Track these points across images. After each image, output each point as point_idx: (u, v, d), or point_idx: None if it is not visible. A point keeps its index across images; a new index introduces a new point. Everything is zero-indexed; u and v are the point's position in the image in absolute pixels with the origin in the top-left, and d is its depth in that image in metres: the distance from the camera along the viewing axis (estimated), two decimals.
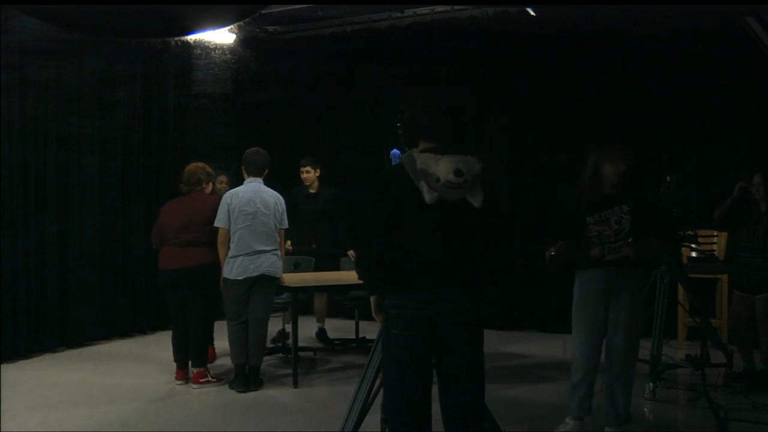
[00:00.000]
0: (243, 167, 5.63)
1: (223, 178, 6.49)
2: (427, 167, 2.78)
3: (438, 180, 2.76)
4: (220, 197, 5.57)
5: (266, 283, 5.45)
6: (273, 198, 5.55)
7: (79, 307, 6.91)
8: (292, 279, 5.87)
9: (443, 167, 2.77)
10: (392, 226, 2.84)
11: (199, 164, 5.76)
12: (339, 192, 6.96)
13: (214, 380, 5.55)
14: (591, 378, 4.27)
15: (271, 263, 5.45)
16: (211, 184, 5.81)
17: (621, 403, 4.23)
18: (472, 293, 2.89)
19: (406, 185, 2.81)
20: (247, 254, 5.38)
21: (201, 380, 5.51)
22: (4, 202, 6.24)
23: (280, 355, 6.43)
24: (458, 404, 2.90)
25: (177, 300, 5.59)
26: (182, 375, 5.63)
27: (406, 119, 3.04)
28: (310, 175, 6.77)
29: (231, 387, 5.44)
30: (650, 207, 4.35)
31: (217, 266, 5.55)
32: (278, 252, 5.55)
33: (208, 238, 5.51)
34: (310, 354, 6.61)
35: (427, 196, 2.76)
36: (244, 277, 5.38)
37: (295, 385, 5.51)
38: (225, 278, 5.47)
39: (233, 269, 5.41)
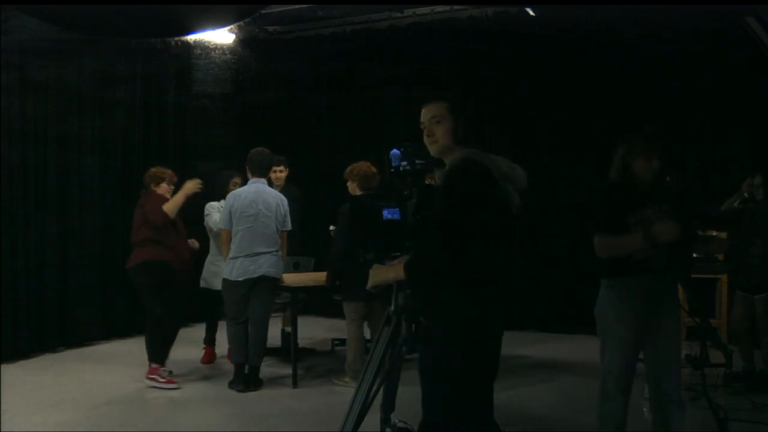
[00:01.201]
0: (247, 167, 5.63)
1: (237, 180, 6.41)
2: (509, 171, 2.77)
3: (513, 185, 2.77)
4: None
5: (266, 283, 5.45)
6: (275, 199, 5.55)
7: (79, 307, 6.91)
8: (292, 279, 5.87)
9: (520, 174, 2.78)
10: (476, 228, 2.69)
11: (152, 169, 5.75)
12: (303, 192, 6.81)
13: (163, 380, 5.45)
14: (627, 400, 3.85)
15: (271, 264, 5.44)
16: (164, 186, 5.66)
17: (679, 423, 3.69)
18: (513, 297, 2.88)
19: (492, 186, 2.72)
20: (247, 255, 5.38)
21: (150, 376, 5.48)
22: (4, 202, 6.24)
23: (280, 355, 6.42)
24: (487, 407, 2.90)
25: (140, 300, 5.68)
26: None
27: (468, 119, 2.95)
28: (283, 174, 6.59)
29: (231, 387, 5.44)
30: (691, 202, 3.96)
31: (162, 264, 5.48)
32: (279, 253, 5.54)
33: (148, 236, 5.49)
34: (309, 353, 6.64)
35: (516, 201, 2.75)
36: (244, 278, 5.38)
37: (295, 385, 5.51)
38: (225, 279, 5.48)
39: (233, 270, 5.41)
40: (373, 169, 5.55)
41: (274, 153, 6.31)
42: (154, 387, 5.43)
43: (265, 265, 5.40)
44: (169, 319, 5.55)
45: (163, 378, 5.48)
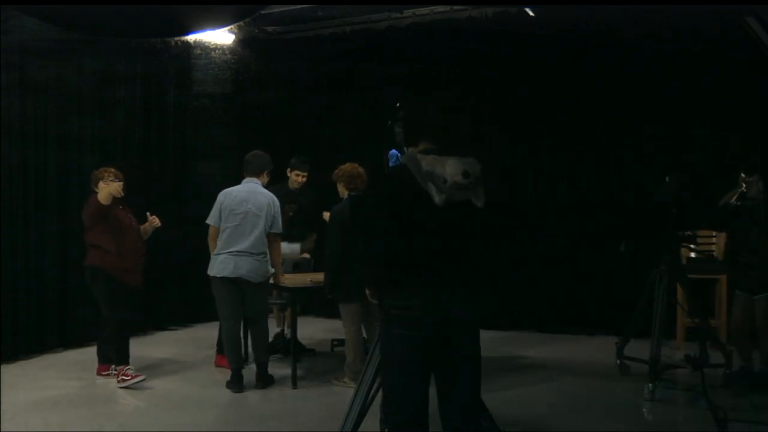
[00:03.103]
0: (244, 170, 5.68)
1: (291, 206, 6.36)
2: (434, 169, 2.79)
3: (445, 182, 2.77)
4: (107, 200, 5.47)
5: (252, 286, 5.44)
6: (267, 199, 5.55)
7: (79, 307, 6.89)
8: (291, 279, 5.87)
9: (450, 169, 2.78)
10: (396, 228, 2.83)
11: (95, 170, 5.73)
12: (317, 195, 6.78)
13: (129, 378, 5.45)
14: None
15: (251, 268, 5.39)
16: (100, 185, 5.57)
17: None
18: (474, 294, 2.89)
19: (410, 186, 2.81)
20: (229, 253, 5.39)
21: (118, 379, 5.48)
22: (4, 202, 6.24)
23: (279, 355, 6.42)
24: (460, 405, 2.91)
25: None
26: (101, 369, 5.77)
27: (408, 119, 3.03)
28: (304, 179, 6.63)
29: (228, 387, 5.44)
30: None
31: (102, 269, 5.47)
32: (264, 257, 5.49)
33: (92, 240, 5.51)
34: (311, 353, 6.64)
35: (437, 198, 2.76)
36: (222, 275, 5.38)
37: (295, 385, 5.51)
38: (211, 276, 5.49)
39: (215, 266, 5.43)
40: (359, 170, 5.61)
41: (279, 154, 6.37)
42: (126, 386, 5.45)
43: (244, 268, 5.38)
44: (111, 322, 5.59)
45: (128, 377, 5.46)
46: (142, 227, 5.84)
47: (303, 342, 6.70)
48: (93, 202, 5.49)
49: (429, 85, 7.54)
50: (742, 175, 5.53)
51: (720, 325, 6.56)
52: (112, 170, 5.70)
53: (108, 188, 5.42)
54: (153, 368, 6.03)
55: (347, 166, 5.61)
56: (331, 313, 7.73)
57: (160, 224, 5.96)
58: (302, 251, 6.57)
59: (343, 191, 5.59)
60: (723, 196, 5.67)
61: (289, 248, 6.31)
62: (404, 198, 2.83)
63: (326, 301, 7.02)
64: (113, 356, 5.63)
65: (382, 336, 3.00)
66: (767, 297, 5.30)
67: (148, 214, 5.92)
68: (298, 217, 6.39)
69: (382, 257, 2.88)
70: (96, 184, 5.63)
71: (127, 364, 5.53)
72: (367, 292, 3.17)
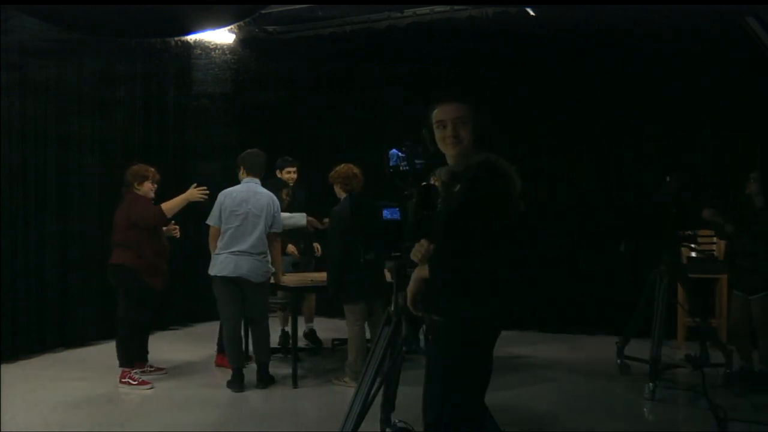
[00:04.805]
0: (242, 167, 5.67)
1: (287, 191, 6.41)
2: (513, 176, 2.81)
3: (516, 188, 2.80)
4: (147, 198, 5.54)
5: (252, 286, 5.45)
6: (267, 199, 5.55)
7: (79, 307, 6.91)
8: (291, 279, 5.87)
9: (518, 180, 2.82)
10: (495, 227, 2.75)
11: (134, 166, 5.69)
12: (308, 190, 6.85)
13: (135, 383, 5.44)
14: None
15: (251, 268, 5.40)
16: (147, 185, 5.59)
17: None
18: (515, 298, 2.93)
19: (510, 188, 2.79)
20: (231, 253, 5.40)
21: (122, 380, 5.47)
22: (4, 202, 6.24)
23: (280, 355, 6.43)
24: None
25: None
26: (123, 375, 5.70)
27: (486, 118, 2.96)
28: (295, 175, 6.71)
29: (228, 386, 5.44)
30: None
31: (130, 269, 5.46)
32: (265, 257, 5.49)
33: (125, 239, 5.46)
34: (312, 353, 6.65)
35: (522, 204, 2.78)
36: (222, 274, 5.39)
37: (295, 385, 5.51)
38: (212, 276, 5.50)
39: (215, 265, 5.44)
40: (354, 170, 5.63)
41: (279, 154, 6.43)
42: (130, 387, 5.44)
43: (244, 268, 5.39)
44: (125, 322, 5.55)
45: (135, 381, 5.45)
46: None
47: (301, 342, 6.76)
48: (153, 210, 5.44)
49: (429, 85, 7.54)
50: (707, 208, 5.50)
51: (720, 324, 6.56)
52: (152, 170, 5.66)
53: (176, 203, 5.48)
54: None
55: (342, 168, 5.64)
56: (332, 313, 7.74)
57: (179, 236, 5.95)
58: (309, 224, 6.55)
59: (340, 192, 5.62)
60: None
61: (298, 218, 6.27)
62: (507, 200, 2.79)
63: (327, 300, 7.05)
64: (118, 357, 5.57)
65: (441, 341, 2.86)
66: (762, 298, 5.30)
67: (172, 222, 5.86)
68: (293, 207, 6.42)
69: (476, 256, 2.75)
70: (139, 183, 5.57)
71: (133, 367, 5.53)
72: (411, 295, 2.93)
